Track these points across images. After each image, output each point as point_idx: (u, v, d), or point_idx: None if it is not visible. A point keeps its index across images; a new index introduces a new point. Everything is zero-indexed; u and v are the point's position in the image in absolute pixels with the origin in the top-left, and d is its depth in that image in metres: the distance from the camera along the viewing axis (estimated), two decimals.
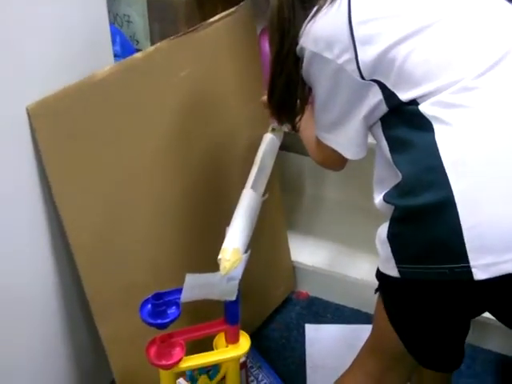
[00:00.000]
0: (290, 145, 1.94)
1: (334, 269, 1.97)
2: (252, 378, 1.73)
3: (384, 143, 1.07)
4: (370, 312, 1.38)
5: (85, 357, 1.56)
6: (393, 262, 1.03)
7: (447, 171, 0.95)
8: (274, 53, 1.16)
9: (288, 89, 1.19)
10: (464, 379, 1.73)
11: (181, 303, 1.24)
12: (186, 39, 1.43)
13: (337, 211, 2.20)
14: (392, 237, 1.03)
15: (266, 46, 1.65)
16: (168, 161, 1.47)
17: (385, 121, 1.07)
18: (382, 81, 1.03)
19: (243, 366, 1.49)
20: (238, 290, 1.27)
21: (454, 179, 0.95)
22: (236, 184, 1.44)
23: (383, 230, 1.05)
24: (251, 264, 1.27)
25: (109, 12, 1.43)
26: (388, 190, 1.05)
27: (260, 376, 1.74)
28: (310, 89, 1.17)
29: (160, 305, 1.23)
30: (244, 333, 1.39)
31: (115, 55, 1.50)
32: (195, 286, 1.22)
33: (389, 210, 1.04)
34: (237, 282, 1.25)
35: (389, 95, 1.03)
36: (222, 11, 1.52)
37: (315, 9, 1.08)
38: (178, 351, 1.29)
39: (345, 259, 1.99)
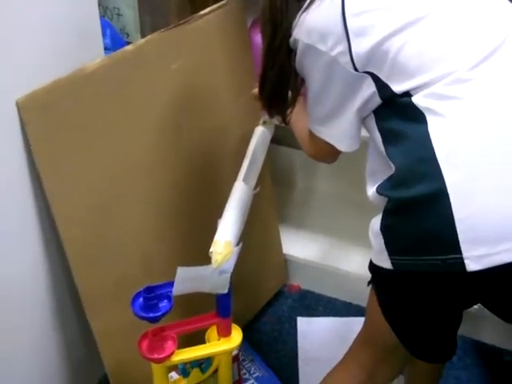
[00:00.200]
0: (281, 138, 1.94)
1: (325, 262, 1.97)
2: (244, 370, 1.73)
3: (377, 135, 1.07)
4: (362, 305, 1.38)
5: (76, 350, 1.55)
6: (386, 253, 1.03)
7: (440, 163, 0.95)
8: (266, 45, 1.16)
9: (280, 81, 1.19)
10: (455, 371, 1.74)
11: (172, 296, 1.24)
12: (176, 32, 1.43)
13: (328, 204, 2.20)
14: (385, 228, 1.03)
15: (256, 39, 1.65)
16: (159, 153, 1.46)
17: (378, 113, 1.06)
18: (376, 73, 1.02)
19: (235, 359, 1.49)
20: (230, 283, 1.27)
21: (447, 171, 0.95)
22: (227, 177, 1.44)
23: (376, 222, 1.05)
24: (243, 257, 1.27)
25: (99, 5, 1.42)
26: (381, 182, 1.05)
27: (252, 369, 1.74)
28: (303, 81, 1.17)
29: (152, 298, 1.23)
30: (236, 326, 1.39)
31: (105, 48, 1.50)
32: (187, 279, 1.21)
33: (382, 201, 1.04)
34: (228, 274, 1.25)
35: (382, 87, 1.03)
36: (212, 4, 1.52)
37: (309, 0, 1.07)
38: (170, 345, 1.29)
39: (336, 252, 2.00)
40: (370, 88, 1.04)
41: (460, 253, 0.95)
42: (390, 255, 1.03)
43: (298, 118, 1.29)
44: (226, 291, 1.28)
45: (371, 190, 1.08)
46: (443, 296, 1.07)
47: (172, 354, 1.28)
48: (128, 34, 1.87)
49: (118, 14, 1.85)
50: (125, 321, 1.32)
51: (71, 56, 1.32)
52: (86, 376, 1.62)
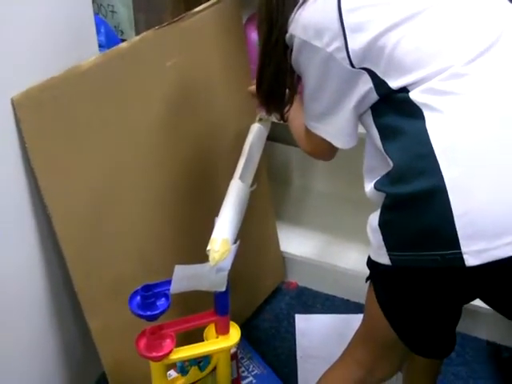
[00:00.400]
0: (277, 135, 1.94)
1: (323, 259, 1.97)
2: (243, 368, 1.73)
3: (375, 131, 1.07)
4: (360, 302, 1.38)
5: (74, 349, 1.55)
6: (384, 249, 1.03)
7: (438, 158, 0.95)
8: (263, 42, 1.15)
9: (277, 78, 1.18)
10: (454, 367, 1.74)
11: (170, 295, 1.23)
12: (171, 29, 1.42)
13: (326, 201, 2.19)
14: (383, 224, 1.03)
15: (252, 35, 1.65)
16: (155, 151, 1.46)
17: (375, 109, 1.06)
18: (372, 68, 1.02)
19: (234, 356, 1.49)
20: (228, 281, 1.27)
21: (445, 166, 0.95)
22: (224, 174, 1.43)
23: (374, 218, 1.05)
24: (240, 255, 1.27)
25: (93, 2, 1.42)
26: (379, 178, 1.05)
27: (251, 366, 1.74)
28: (300, 78, 1.16)
29: (149, 296, 1.23)
30: (234, 324, 1.39)
31: (100, 45, 1.50)
32: (184, 278, 1.21)
33: (380, 197, 1.04)
34: (226, 272, 1.25)
35: (379, 83, 1.02)
36: (206, 0, 1.51)
37: None
38: (168, 343, 1.29)
39: (334, 249, 1.99)
40: (366, 84, 1.04)
41: (459, 248, 0.95)
42: (388, 251, 1.03)
43: (295, 115, 1.28)
44: (223, 289, 1.27)
45: (369, 187, 1.08)
46: (442, 291, 1.07)
47: (170, 352, 1.28)
48: (122, 32, 1.86)
49: (113, 11, 1.85)
50: (123, 319, 1.32)
51: (66, 53, 1.32)
52: (85, 375, 1.62)
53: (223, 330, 1.37)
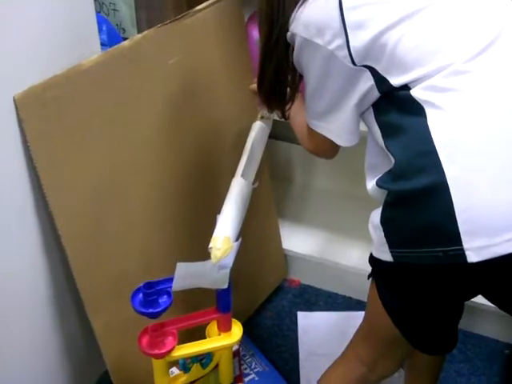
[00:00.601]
0: (278, 133, 1.94)
1: (325, 256, 1.97)
2: (245, 365, 1.73)
3: (376, 129, 1.07)
4: (362, 299, 1.38)
5: (77, 347, 1.55)
6: (386, 246, 1.03)
7: (440, 155, 0.95)
8: (264, 40, 1.15)
9: (278, 76, 1.18)
10: (456, 364, 1.74)
11: (172, 292, 1.24)
12: (173, 27, 1.42)
13: (328, 199, 2.19)
14: (385, 221, 1.03)
15: (254, 33, 1.65)
16: (157, 149, 1.46)
17: (377, 107, 1.06)
18: (374, 66, 1.02)
19: (236, 354, 1.48)
20: (230, 279, 1.27)
21: (447, 163, 0.95)
22: (226, 172, 1.44)
23: (376, 215, 1.05)
24: (242, 252, 1.27)
25: (95, 0, 1.42)
26: (381, 175, 1.05)
27: (253, 364, 1.74)
28: (301, 76, 1.16)
29: (151, 294, 1.23)
30: (236, 321, 1.39)
31: (102, 44, 1.49)
32: (186, 275, 1.21)
33: (382, 195, 1.04)
34: (228, 270, 1.25)
35: (380, 81, 1.02)
36: None
37: None
38: (170, 340, 1.29)
39: (336, 246, 1.99)
40: (368, 82, 1.04)
41: (461, 244, 0.95)
42: (390, 248, 1.03)
43: (296, 113, 1.28)
44: (225, 286, 1.28)
45: (371, 184, 1.08)
46: (444, 287, 1.07)
47: (172, 349, 1.28)
48: (124, 30, 1.86)
49: (114, 10, 1.85)
50: (125, 317, 1.32)
51: (68, 52, 1.32)
52: (87, 372, 1.62)
53: (225, 328, 1.37)
